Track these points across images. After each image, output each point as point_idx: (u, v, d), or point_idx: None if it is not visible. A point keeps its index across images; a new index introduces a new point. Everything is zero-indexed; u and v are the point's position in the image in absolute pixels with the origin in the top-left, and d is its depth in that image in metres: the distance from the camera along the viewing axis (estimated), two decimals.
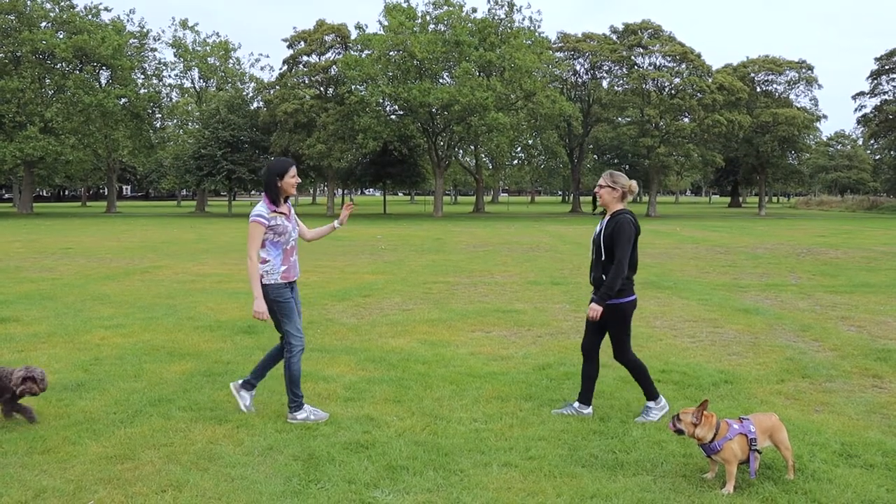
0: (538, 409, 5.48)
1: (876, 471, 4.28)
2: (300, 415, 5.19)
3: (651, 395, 5.33)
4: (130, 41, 50.97)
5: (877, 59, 53.97)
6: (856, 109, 58.34)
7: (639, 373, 5.33)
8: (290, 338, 5.26)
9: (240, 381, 5.52)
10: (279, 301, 5.19)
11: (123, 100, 48.18)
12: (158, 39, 62.88)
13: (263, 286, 5.17)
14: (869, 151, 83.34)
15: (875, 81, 54.82)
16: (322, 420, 5.18)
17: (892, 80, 53.93)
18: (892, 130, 55.80)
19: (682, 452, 4.55)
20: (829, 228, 32.69)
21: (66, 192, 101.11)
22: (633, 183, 5.30)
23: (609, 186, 5.25)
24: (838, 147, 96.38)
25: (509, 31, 44.88)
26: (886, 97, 54.88)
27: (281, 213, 5.18)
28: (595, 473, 4.27)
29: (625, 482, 4.14)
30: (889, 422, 5.20)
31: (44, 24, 46.27)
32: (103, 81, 50.25)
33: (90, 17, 48.51)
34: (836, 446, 4.64)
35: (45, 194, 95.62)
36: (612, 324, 5.23)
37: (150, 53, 54.56)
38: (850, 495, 3.94)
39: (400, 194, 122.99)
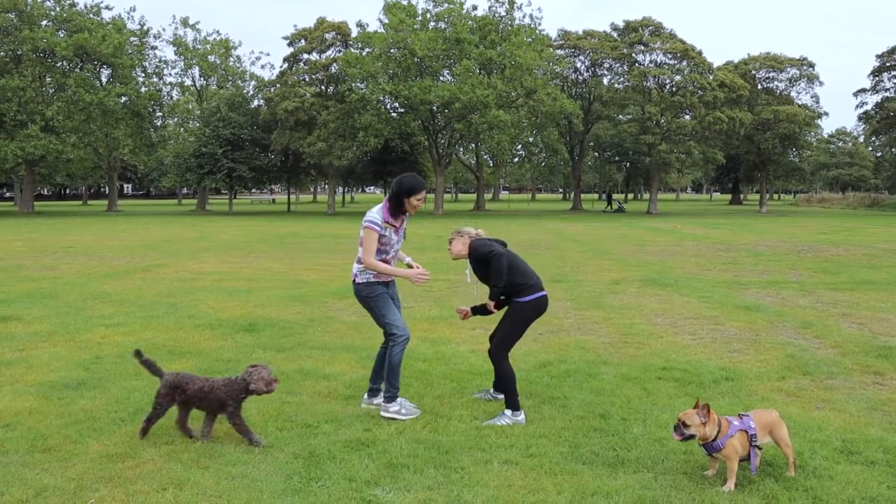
0: (539, 407, 5.48)
1: (877, 468, 4.28)
2: (392, 407, 5.22)
3: (513, 405, 5.18)
4: (131, 39, 50.91)
5: (878, 56, 53.86)
6: (857, 106, 58.14)
7: (506, 380, 5.24)
8: (392, 329, 5.31)
9: (365, 395, 5.58)
10: (371, 297, 5.30)
11: (124, 98, 48.13)
12: (159, 38, 62.83)
13: (356, 285, 5.33)
14: (870, 148, 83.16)
15: (876, 78, 54.70)
16: (413, 416, 5.18)
17: (894, 76, 53.81)
18: (894, 127, 55.69)
19: (682, 450, 4.55)
20: (831, 226, 32.65)
21: (67, 191, 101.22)
22: (481, 231, 5.62)
23: (457, 238, 5.53)
24: (839, 144, 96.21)
25: (510, 28, 44.81)
26: (888, 94, 54.74)
27: (393, 225, 5.31)
28: (596, 471, 4.27)
29: (626, 479, 4.14)
30: (890, 419, 5.20)
31: (44, 22, 46.22)
32: (104, 80, 50.22)
33: (91, 15, 48.47)
34: (837, 443, 4.64)
35: (46, 193, 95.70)
36: (509, 319, 5.36)
37: (150, 52, 54.50)
38: (850, 492, 3.94)
39: None
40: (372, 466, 4.33)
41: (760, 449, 4.17)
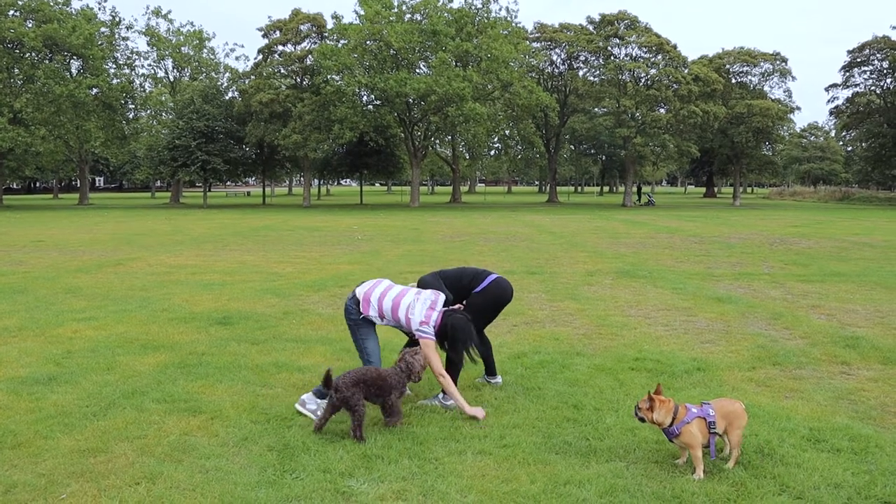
0: (513, 398, 5.52)
1: (842, 455, 4.37)
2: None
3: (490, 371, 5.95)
4: (102, 30, 50.05)
5: (849, 52, 54.67)
6: (828, 101, 59.19)
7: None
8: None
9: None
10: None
11: (95, 90, 47.36)
12: (131, 28, 61.69)
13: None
14: (841, 143, 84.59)
15: (847, 74, 55.50)
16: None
17: (864, 72, 54.65)
18: (864, 122, 56.58)
19: (654, 439, 4.61)
20: (802, 219, 33.12)
21: (38, 185, 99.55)
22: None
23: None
24: (811, 138, 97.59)
25: (486, 21, 44.81)
26: (858, 89, 55.61)
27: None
28: (569, 460, 4.31)
29: (598, 468, 4.19)
30: (856, 407, 5.31)
31: (12, 12, 45.28)
32: (74, 71, 49.34)
33: (60, 5, 47.58)
34: (804, 432, 4.73)
35: (15, 186, 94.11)
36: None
37: (122, 43, 53.64)
38: (816, 479, 4.02)
39: (377, 185, 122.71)
40: (346, 458, 4.33)
41: (719, 435, 4.24)
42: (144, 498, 3.81)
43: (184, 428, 4.84)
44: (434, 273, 5.85)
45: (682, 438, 4.16)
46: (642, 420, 4.33)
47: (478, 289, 5.66)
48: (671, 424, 4.18)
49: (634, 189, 57.93)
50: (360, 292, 5.35)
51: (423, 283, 5.68)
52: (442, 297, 5.32)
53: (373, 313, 5.26)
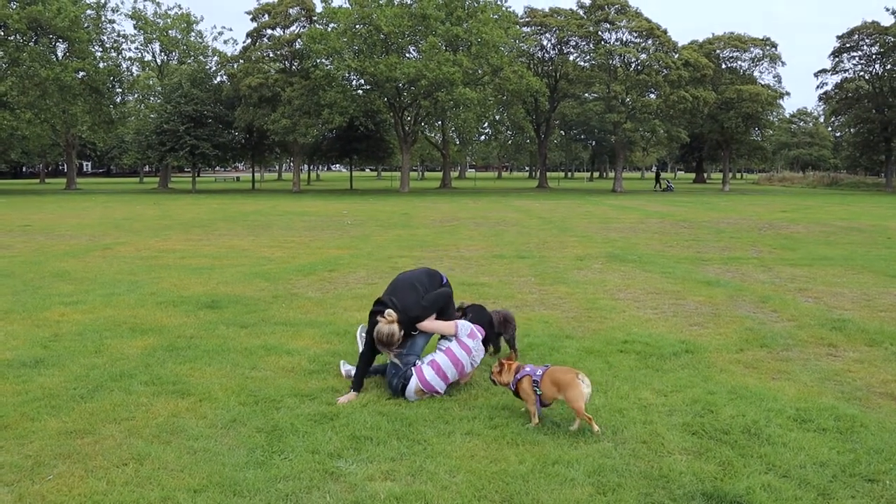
0: None
1: (828, 434, 4.41)
2: None
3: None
4: (87, 12, 49.37)
5: (838, 37, 54.66)
6: (817, 87, 59.18)
7: None
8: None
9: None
10: None
11: (81, 73, 46.79)
12: (117, 11, 61.13)
13: None
14: (830, 129, 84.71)
15: (836, 59, 55.50)
16: None
17: (853, 57, 54.67)
18: (852, 108, 56.69)
19: (642, 420, 4.63)
20: (790, 204, 33.26)
21: (24, 169, 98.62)
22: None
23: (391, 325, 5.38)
24: (800, 124, 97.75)
25: (476, 5, 44.48)
26: (847, 75, 55.68)
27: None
28: (557, 441, 4.33)
29: (586, 448, 4.20)
30: (842, 388, 5.35)
31: None
32: (60, 54, 48.71)
33: None
34: (791, 412, 4.77)
35: (1, 170, 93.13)
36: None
37: (108, 25, 52.94)
38: (802, 458, 4.05)
39: (367, 170, 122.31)
40: (335, 439, 4.33)
41: (539, 394, 4.58)
42: (132, 478, 3.81)
43: (172, 410, 4.82)
44: (420, 302, 5.48)
45: (519, 392, 4.69)
46: (494, 383, 4.91)
47: (444, 282, 5.97)
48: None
49: (653, 175, 57.83)
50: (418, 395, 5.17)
51: (412, 311, 5.41)
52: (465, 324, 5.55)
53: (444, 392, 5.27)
